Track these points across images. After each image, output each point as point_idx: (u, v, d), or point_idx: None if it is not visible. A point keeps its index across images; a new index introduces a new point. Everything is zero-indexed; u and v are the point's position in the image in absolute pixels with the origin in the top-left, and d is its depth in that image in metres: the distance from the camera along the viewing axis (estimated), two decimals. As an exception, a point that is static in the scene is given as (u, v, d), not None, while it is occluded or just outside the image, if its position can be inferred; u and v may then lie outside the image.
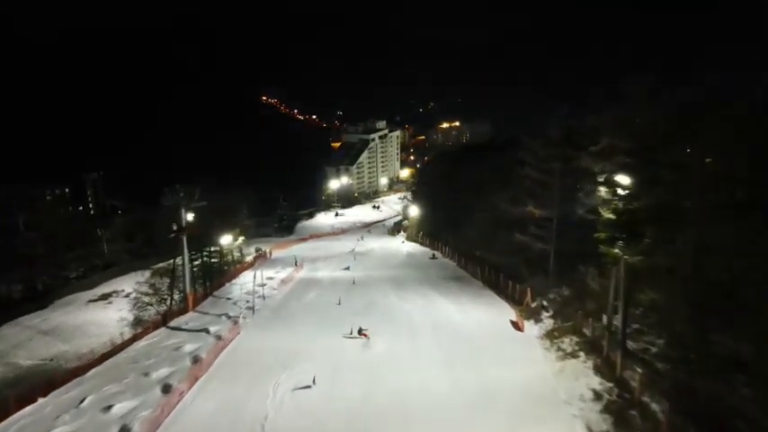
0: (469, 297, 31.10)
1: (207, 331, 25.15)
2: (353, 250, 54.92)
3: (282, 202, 59.49)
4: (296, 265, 46.63)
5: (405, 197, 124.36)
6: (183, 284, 29.47)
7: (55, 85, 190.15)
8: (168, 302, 33.06)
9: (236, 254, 46.18)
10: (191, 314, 28.98)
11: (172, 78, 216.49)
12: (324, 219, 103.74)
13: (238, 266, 45.23)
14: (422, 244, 58.16)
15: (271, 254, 59.12)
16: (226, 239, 42.89)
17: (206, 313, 29.37)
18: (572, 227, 26.26)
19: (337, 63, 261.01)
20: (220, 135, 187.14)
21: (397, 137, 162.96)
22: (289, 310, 29.37)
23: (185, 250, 28.72)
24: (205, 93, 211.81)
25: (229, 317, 27.93)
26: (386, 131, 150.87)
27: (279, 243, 71.88)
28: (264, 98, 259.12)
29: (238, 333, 24.64)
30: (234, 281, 39.38)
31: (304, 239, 78.84)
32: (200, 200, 28.98)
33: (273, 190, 62.45)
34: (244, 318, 26.89)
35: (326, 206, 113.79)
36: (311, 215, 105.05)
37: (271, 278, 40.47)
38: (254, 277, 29.36)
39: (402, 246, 59.23)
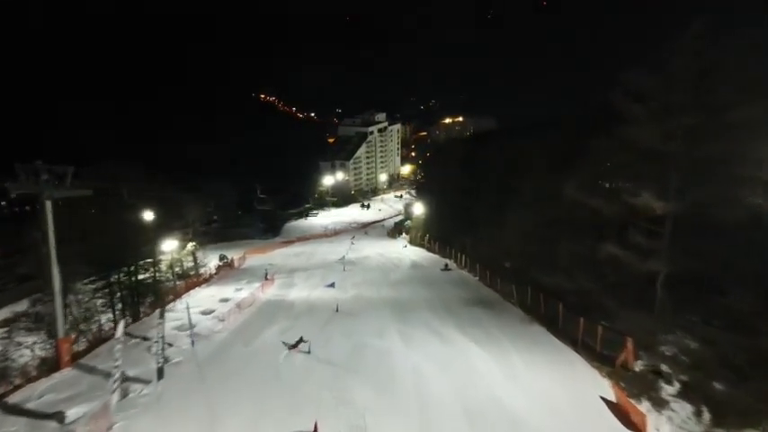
0: (512, 339, 19.90)
1: (59, 419, 14.00)
2: (344, 258, 43.82)
3: (260, 195, 48.14)
4: (265, 278, 35.62)
5: (403, 195, 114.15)
6: (57, 325, 18.19)
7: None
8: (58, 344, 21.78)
9: (188, 263, 35.00)
10: (64, 373, 17.78)
11: (167, 77, 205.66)
12: (315, 218, 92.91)
13: (188, 282, 34.01)
14: (429, 249, 47.11)
15: (243, 261, 48.27)
16: (169, 246, 31.75)
17: (91, 370, 18.16)
18: (704, 230, 15.25)
19: (336, 62, 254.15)
20: (211, 134, 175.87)
21: (398, 130, 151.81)
22: (225, 367, 18.15)
23: (53, 268, 17.47)
24: (198, 92, 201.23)
25: (127, 379, 16.77)
26: (385, 124, 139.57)
27: (259, 247, 60.90)
28: (263, 96, 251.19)
29: (109, 429, 13.45)
30: (173, 305, 28.26)
31: (290, 242, 68.06)
32: (76, 187, 17.72)
33: (259, 186, 51.39)
34: (121, 397, 15.38)
35: (319, 204, 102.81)
36: (301, 214, 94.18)
37: (225, 300, 29.45)
38: (163, 316, 17.92)
39: (404, 251, 48.12)
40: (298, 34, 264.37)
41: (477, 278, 32.85)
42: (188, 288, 32.23)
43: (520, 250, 25.84)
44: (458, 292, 29.39)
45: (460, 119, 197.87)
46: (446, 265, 36.93)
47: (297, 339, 19.75)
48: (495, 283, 29.48)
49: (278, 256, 52.74)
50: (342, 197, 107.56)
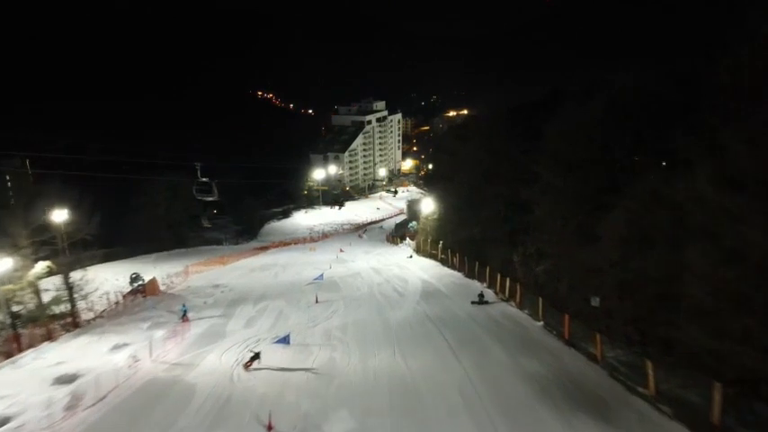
0: None
1: None
2: (321, 277, 29.72)
3: (201, 179, 33.12)
4: (182, 318, 21.55)
5: (398, 191, 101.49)
6: None
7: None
8: None
9: (46, 298, 20.76)
10: None
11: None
12: (302, 218, 79.07)
13: (34, 331, 19.69)
14: (444, 262, 32.78)
15: (185, 278, 34.49)
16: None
17: None
18: None
19: (335, 60, 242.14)
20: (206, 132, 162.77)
21: (399, 121, 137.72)
22: None
23: None
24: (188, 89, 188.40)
25: None
26: (385, 113, 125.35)
27: (220, 256, 46.90)
28: (260, 93, 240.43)
29: None
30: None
31: (264, 248, 54.14)
32: None
33: (199, 166, 37.73)
34: None
35: (308, 202, 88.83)
36: (286, 214, 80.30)
37: (70, 379, 15.25)
38: None
39: (409, 265, 33.90)
40: (298, 33, 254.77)
41: (542, 324, 18.81)
42: (22, 347, 17.97)
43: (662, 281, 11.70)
44: (520, 362, 15.18)
45: (465, 111, 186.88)
46: (481, 295, 22.64)
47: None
48: (586, 341, 15.57)
49: (237, 269, 38.77)
50: (335, 194, 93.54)
